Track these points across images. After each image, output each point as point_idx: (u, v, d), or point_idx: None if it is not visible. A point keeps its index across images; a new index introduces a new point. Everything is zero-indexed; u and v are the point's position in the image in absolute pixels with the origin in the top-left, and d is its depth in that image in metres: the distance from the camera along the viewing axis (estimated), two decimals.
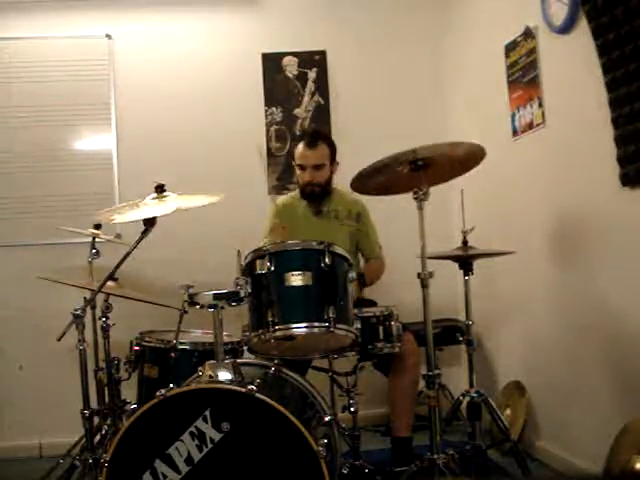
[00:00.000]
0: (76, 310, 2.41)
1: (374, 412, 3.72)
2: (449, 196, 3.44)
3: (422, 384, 2.54)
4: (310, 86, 4.12)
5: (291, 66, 4.11)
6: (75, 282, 2.84)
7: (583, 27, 2.65)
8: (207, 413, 1.95)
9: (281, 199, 3.39)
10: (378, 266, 3.30)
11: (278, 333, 2.22)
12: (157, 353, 2.65)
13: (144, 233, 2.37)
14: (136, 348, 2.72)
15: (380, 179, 2.55)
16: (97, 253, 3.06)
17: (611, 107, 2.52)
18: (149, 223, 2.37)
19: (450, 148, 2.51)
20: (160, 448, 1.95)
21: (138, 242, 2.36)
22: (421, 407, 2.84)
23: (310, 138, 3.18)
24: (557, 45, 2.92)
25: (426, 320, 2.43)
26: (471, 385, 2.95)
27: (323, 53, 4.11)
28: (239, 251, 2.28)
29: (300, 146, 3.16)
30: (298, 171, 3.19)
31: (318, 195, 3.18)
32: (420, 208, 2.44)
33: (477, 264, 2.99)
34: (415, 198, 2.44)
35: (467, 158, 2.55)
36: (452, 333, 3.51)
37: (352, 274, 2.38)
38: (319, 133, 3.37)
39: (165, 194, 2.47)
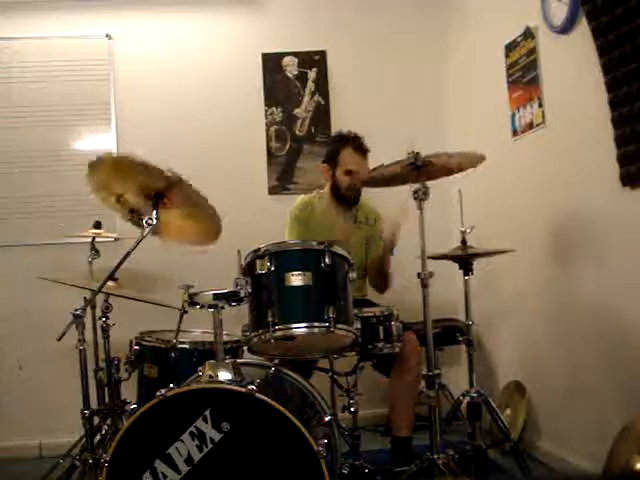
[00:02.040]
0: (76, 310, 2.41)
1: (374, 412, 3.72)
2: (449, 196, 3.44)
3: (422, 384, 2.55)
4: (310, 86, 4.12)
5: (291, 66, 4.11)
6: (75, 282, 2.84)
7: (583, 27, 2.66)
8: (207, 413, 1.95)
9: (299, 201, 3.26)
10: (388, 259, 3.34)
11: (278, 333, 2.22)
12: (157, 353, 2.65)
13: (144, 233, 2.36)
14: (136, 348, 2.72)
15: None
16: (97, 253, 3.06)
17: (611, 107, 2.52)
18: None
19: (450, 158, 2.55)
20: (160, 448, 1.95)
21: (138, 242, 2.35)
22: (421, 407, 2.84)
23: (362, 145, 3.17)
24: (557, 45, 2.92)
25: (426, 320, 2.43)
26: (471, 385, 2.94)
27: (323, 53, 4.11)
28: (239, 251, 2.28)
29: (351, 151, 3.15)
30: (343, 175, 3.15)
31: (357, 199, 3.21)
32: (420, 208, 2.44)
33: (477, 264, 2.99)
34: (415, 198, 2.44)
35: (465, 164, 2.60)
36: (452, 333, 3.50)
37: (352, 274, 2.37)
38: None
39: None
